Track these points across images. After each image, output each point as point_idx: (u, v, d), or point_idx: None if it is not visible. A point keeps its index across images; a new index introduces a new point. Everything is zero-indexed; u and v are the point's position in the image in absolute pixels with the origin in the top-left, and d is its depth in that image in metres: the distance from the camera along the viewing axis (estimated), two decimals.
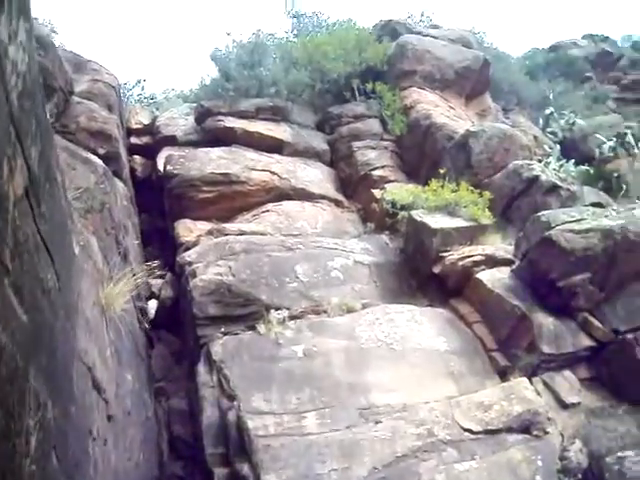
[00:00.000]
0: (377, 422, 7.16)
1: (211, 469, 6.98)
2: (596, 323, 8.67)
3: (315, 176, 12.81)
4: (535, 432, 7.47)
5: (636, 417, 8.18)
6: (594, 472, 7.39)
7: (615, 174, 13.94)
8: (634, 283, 8.84)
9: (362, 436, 6.93)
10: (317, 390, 7.48)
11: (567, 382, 8.48)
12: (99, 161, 7.95)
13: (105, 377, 4.71)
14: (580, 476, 7.29)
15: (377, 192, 12.24)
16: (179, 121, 13.83)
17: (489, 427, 7.37)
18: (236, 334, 8.46)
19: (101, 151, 8.68)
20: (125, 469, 5.34)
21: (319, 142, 13.85)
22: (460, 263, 9.46)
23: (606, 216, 9.01)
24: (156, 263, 8.22)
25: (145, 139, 13.76)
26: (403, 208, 10.91)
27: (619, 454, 7.47)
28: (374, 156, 13.30)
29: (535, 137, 15.69)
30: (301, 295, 9.22)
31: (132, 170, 12.29)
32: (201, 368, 8.11)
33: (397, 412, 7.36)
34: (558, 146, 15.39)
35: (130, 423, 5.97)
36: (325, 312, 9.04)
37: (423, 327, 8.84)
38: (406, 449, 6.88)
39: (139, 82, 17.04)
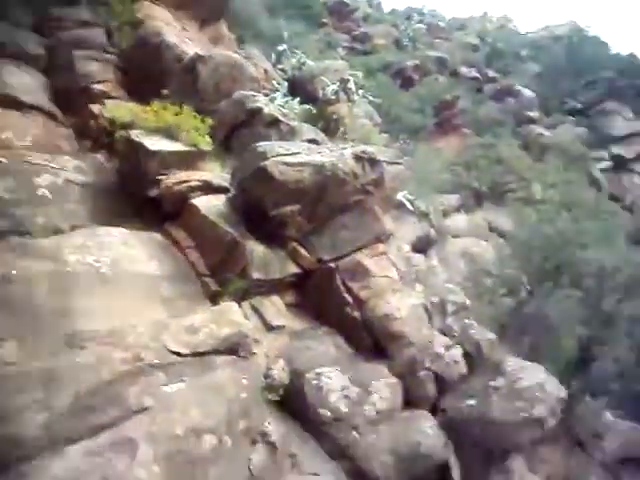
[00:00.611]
0: (82, 348, 6.70)
1: None
2: (303, 252, 9.15)
3: (27, 83, 11.42)
4: (242, 353, 7.66)
5: (334, 338, 8.96)
6: (295, 387, 7.96)
7: (335, 116, 14.69)
8: (340, 217, 9.47)
9: (66, 364, 6.44)
10: (17, 317, 6.75)
11: (274, 306, 8.88)
12: None
13: None
14: (282, 392, 7.82)
15: (96, 108, 11.37)
16: None
17: (197, 350, 7.37)
18: None
19: None
20: None
21: (35, 45, 12.21)
22: (177, 188, 9.22)
23: (319, 153, 9.40)
24: None
25: None
26: (122, 127, 10.21)
27: (317, 370, 8.12)
28: (96, 69, 12.21)
29: (265, 71, 15.87)
30: (1, 214, 8.28)
31: None
32: None
33: (104, 337, 6.97)
34: (286, 83, 15.78)
35: None
36: (28, 233, 8.21)
37: (135, 251, 8.49)
38: (112, 375, 6.57)
39: None
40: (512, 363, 9.44)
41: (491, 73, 35.12)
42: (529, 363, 9.61)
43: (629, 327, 11.85)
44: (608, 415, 11.50)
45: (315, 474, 7.34)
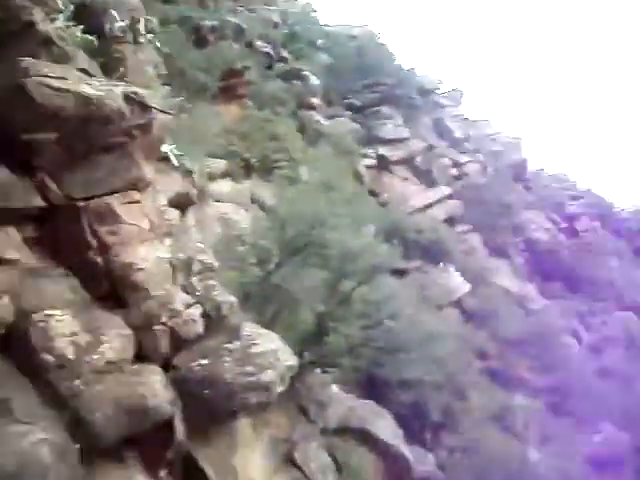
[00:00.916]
0: None
1: None
2: (52, 186, 8.45)
3: None
4: None
5: (71, 280, 8.46)
6: (20, 327, 7.45)
7: (117, 55, 13.92)
8: (99, 156, 8.92)
9: None
10: None
11: (8, 238, 8.14)
12: None
13: None
14: (4, 331, 7.28)
15: None
16: None
17: None
18: None
19: None
20: None
21: None
22: None
23: (89, 84, 8.80)
24: None
25: None
26: None
27: (47, 312, 7.65)
28: None
29: None
30: None
31: None
32: None
33: None
34: (72, 7, 14.58)
35: None
36: None
37: None
38: None
39: None
40: (249, 329, 9.75)
41: (284, 53, 35.90)
42: (266, 331, 10.00)
43: (362, 309, 12.91)
44: (334, 387, 12.50)
45: (28, 423, 6.81)
